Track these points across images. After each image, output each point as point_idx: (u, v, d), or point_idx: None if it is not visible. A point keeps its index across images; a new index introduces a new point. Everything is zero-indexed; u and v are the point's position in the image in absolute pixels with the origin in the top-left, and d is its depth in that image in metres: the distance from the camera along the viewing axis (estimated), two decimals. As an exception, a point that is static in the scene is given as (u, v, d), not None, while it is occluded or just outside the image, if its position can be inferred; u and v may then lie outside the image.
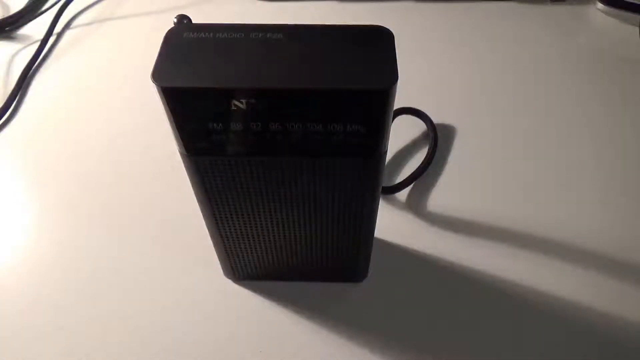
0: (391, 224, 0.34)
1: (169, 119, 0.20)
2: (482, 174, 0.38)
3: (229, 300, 0.31)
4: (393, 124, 0.37)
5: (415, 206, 0.36)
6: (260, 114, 0.19)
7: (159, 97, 0.19)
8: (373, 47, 0.19)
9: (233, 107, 0.19)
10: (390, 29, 0.20)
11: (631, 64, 0.46)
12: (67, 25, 0.51)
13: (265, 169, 0.22)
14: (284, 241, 0.27)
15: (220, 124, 0.20)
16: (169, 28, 0.20)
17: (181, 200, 0.35)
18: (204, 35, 0.20)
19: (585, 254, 0.33)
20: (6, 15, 0.51)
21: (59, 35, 0.50)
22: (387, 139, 0.21)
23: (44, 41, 0.48)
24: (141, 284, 0.32)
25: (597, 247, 0.33)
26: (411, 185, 0.37)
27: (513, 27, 0.50)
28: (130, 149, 0.40)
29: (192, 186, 0.24)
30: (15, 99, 0.43)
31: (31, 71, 0.46)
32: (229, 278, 0.32)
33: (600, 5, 0.51)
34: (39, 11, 0.52)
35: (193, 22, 0.21)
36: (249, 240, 0.27)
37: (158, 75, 0.19)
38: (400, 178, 0.37)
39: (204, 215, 0.26)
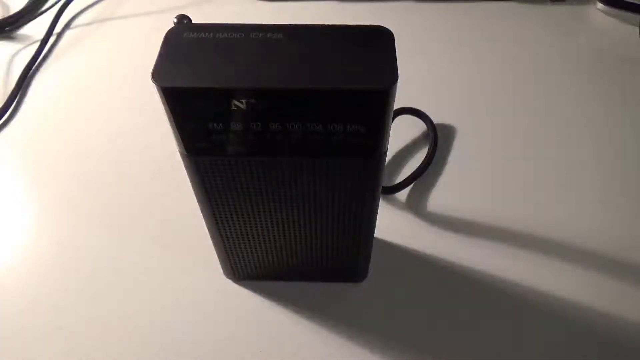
0: (391, 224, 0.34)
1: (169, 119, 0.20)
2: (482, 174, 0.38)
3: (229, 300, 0.31)
4: (393, 124, 0.37)
5: (415, 206, 0.36)
6: (260, 114, 0.19)
7: (159, 97, 0.19)
8: (373, 47, 0.19)
9: (233, 107, 0.19)
10: (390, 29, 0.20)
11: (631, 64, 0.46)
12: (67, 25, 0.51)
13: (265, 169, 0.22)
14: (284, 241, 0.27)
15: (220, 124, 0.20)
16: (169, 28, 0.20)
17: (181, 200, 0.35)
18: (204, 35, 0.20)
19: (585, 254, 0.33)
20: (6, 15, 0.51)
21: (59, 35, 0.50)
22: (387, 139, 0.21)
23: (44, 41, 0.48)
24: (141, 284, 0.32)
25: (597, 247, 0.33)
26: (411, 185, 0.37)
27: (513, 27, 0.50)
28: (130, 149, 0.40)
29: (192, 186, 0.24)
30: (15, 99, 0.43)
31: (31, 71, 0.46)
32: (229, 278, 0.32)
33: (600, 5, 0.51)
34: (39, 11, 0.52)
35: (193, 22, 0.21)
36: (249, 240, 0.27)
37: (158, 75, 0.19)
38: (400, 178, 0.37)
39: (204, 215, 0.26)
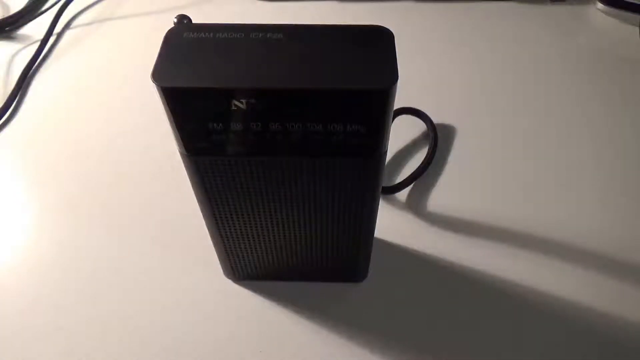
0: (391, 224, 0.34)
1: (169, 119, 0.20)
2: (482, 174, 0.38)
3: (229, 300, 0.31)
4: (393, 124, 0.37)
5: (415, 206, 0.36)
6: (260, 114, 0.19)
7: (159, 97, 0.19)
8: (373, 47, 0.19)
9: (233, 107, 0.19)
10: (390, 29, 0.20)
11: (631, 64, 0.46)
12: (67, 25, 0.51)
13: (265, 169, 0.22)
14: (284, 241, 0.27)
15: (220, 124, 0.20)
16: (169, 28, 0.20)
17: (181, 200, 0.35)
18: (204, 35, 0.20)
19: (585, 254, 0.33)
20: (6, 15, 0.51)
21: (59, 35, 0.50)
22: (387, 139, 0.21)
23: (44, 41, 0.48)
24: (141, 284, 0.32)
25: (597, 247, 0.33)
26: (411, 185, 0.37)
27: (513, 27, 0.50)
28: (130, 149, 0.40)
29: (192, 186, 0.24)
30: (15, 99, 0.43)
31: (31, 71, 0.46)
32: (229, 278, 0.32)
33: (600, 5, 0.51)
34: (39, 11, 0.52)
35: (193, 22, 0.21)
36: (249, 240, 0.27)
37: (158, 75, 0.19)
38: (400, 178, 0.37)
39: (204, 215, 0.26)
